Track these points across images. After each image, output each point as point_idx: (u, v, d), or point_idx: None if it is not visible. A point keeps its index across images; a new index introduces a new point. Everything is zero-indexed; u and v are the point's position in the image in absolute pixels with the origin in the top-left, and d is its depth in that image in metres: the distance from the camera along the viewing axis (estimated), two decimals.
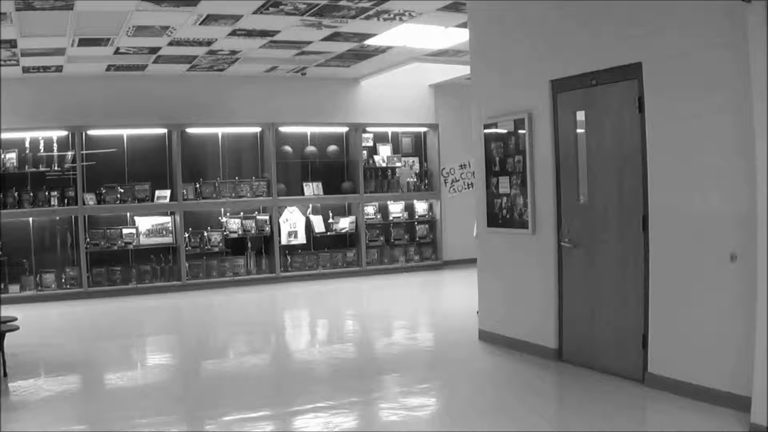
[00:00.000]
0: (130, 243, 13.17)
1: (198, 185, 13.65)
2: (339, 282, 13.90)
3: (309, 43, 11.64)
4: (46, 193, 12.64)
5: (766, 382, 4.88)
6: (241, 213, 14.08)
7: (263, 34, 10.86)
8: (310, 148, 14.70)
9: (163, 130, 13.61)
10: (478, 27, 8.38)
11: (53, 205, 12.65)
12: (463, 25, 10.02)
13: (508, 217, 7.81)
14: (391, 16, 10.10)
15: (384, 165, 15.12)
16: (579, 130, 6.96)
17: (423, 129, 15.76)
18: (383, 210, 15.15)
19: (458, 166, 15.96)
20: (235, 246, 14.08)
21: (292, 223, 14.31)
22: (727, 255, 5.46)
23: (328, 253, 14.57)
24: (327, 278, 14.23)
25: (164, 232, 13.49)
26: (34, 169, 12.66)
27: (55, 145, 12.84)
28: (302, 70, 14.03)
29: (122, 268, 13.13)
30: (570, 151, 7.04)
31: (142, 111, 13.57)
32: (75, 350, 8.78)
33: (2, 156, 12.42)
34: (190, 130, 13.79)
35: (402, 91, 15.53)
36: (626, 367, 6.41)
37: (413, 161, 15.62)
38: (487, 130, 8.10)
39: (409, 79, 15.15)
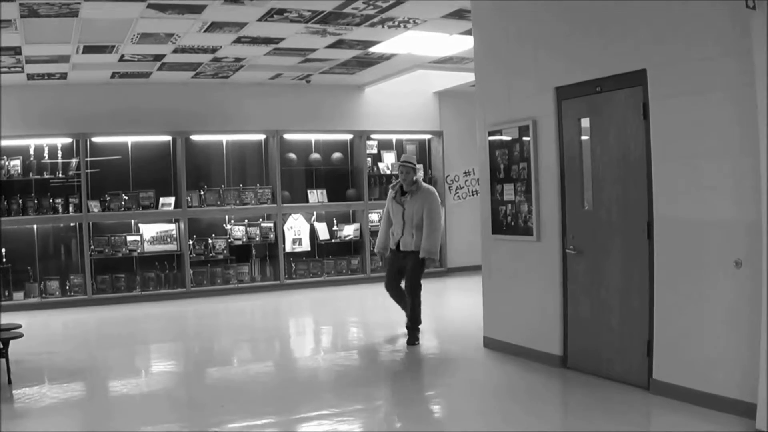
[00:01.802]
0: (135, 250, 13.18)
1: (202, 192, 13.67)
2: (343, 289, 13.89)
3: (313, 50, 11.66)
4: (51, 200, 12.66)
5: None
6: (246, 220, 14.10)
7: (268, 41, 10.89)
8: (315, 156, 14.71)
9: (168, 138, 13.63)
10: (482, 34, 8.39)
11: (57, 213, 12.67)
12: (468, 33, 10.03)
13: (512, 224, 7.81)
14: (396, 23, 10.12)
15: (388, 172, 15.10)
16: (584, 137, 6.95)
17: (427, 136, 15.76)
18: None
19: (462, 173, 15.95)
20: (240, 253, 14.09)
21: (297, 231, 14.32)
22: (732, 261, 5.45)
23: (332, 261, 14.56)
24: (331, 285, 14.22)
25: (169, 240, 13.50)
26: (38, 176, 12.69)
27: (59, 152, 12.88)
28: (307, 78, 14.05)
29: (126, 276, 13.14)
30: (575, 158, 7.03)
31: (147, 118, 13.60)
32: (79, 357, 8.77)
33: (7, 163, 12.46)
34: (195, 138, 13.81)
35: (406, 98, 15.54)
36: (631, 374, 6.40)
37: (418, 168, 15.60)
38: (491, 137, 8.10)
39: (413, 86, 15.16)
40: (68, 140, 12.90)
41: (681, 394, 5.84)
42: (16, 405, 6.53)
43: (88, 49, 10.76)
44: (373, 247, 9.87)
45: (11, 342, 7.33)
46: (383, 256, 9.37)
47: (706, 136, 5.66)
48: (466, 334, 8.96)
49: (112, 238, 13.07)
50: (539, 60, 7.40)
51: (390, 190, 9.05)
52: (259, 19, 9.63)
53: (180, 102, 13.91)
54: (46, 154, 12.79)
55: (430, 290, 13.66)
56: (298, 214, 14.36)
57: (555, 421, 5.98)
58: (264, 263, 14.20)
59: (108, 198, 13.02)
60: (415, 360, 8.11)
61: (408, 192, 8.65)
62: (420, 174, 8.68)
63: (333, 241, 14.68)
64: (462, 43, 11.16)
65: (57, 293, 12.65)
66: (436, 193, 8.81)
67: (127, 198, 13.13)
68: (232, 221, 14.07)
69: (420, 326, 8.71)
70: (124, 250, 13.09)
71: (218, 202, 13.74)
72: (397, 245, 8.73)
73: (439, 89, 15.68)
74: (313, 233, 14.50)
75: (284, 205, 14.09)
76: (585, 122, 6.91)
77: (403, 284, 8.82)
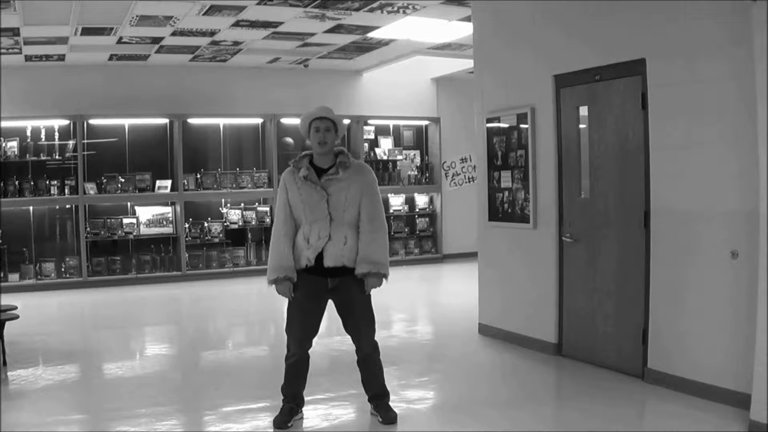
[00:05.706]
0: (131, 233, 13.17)
1: (199, 176, 13.65)
2: None
3: (312, 34, 11.62)
4: (47, 182, 12.64)
5: (766, 380, 4.87)
6: (242, 204, 14.10)
7: (266, 25, 10.84)
8: None
9: (165, 120, 13.61)
10: (481, 21, 8.36)
11: (54, 194, 12.65)
12: (467, 19, 10.01)
13: (509, 211, 7.81)
14: (395, 9, 10.08)
15: (385, 158, 15.11)
16: (581, 126, 6.95)
17: (424, 122, 15.75)
18: (384, 203, 15.02)
19: (459, 159, 15.91)
20: (235, 237, 14.09)
21: None
22: (728, 252, 5.46)
23: None
24: None
25: (164, 222, 13.49)
26: (35, 158, 12.66)
27: (56, 133, 12.84)
28: (305, 62, 14.01)
29: (122, 258, 13.16)
30: (572, 146, 7.03)
31: (144, 101, 13.56)
32: (74, 339, 8.78)
33: (3, 144, 12.42)
34: (192, 121, 13.77)
35: (404, 84, 15.51)
36: (626, 363, 6.42)
37: (414, 154, 15.61)
38: (489, 125, 8.09)
39: (411, 72, 15.13)
40: (65, 122, 12.86)
41: (675, 383, 5.87)
42: (10, 386, 6.54)
43: (87, 31, 10.70)
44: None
45: (6, 323, 7.32)
46: (292, 287, 5.45)
47: (704, 126, 5.65)
48: (461, 321, 8.97)
49: (108, 220, 13.06)
50: (538, 47, 7.38)
51: (290, 169, 5.29)
52: (258, 3, 9.58)
53: (177, 85, 13.86)
54: (42, 136, 12.75)
55: (425, 277, 13.75)
56: None
57: (548, 409, 5.99)
58: (260, 247, 14.18)
59: (104, 180, 13.00)
60: (410, 346, 8.12)
61: (337, 166, 5.24)
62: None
63: None
64: (461, 30, 11.13)
65: (52, 275, 12.65)
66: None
67: (123, 180, 13.11)
68: (228, 205, 14.06)
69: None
70: (120, 232, 13.09)
71: (214, 186, 13.73)
72: (317, 260, 5.19)
73: (437, 75, 15.66)
74: None
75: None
76: (583, 110, 6.90)
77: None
